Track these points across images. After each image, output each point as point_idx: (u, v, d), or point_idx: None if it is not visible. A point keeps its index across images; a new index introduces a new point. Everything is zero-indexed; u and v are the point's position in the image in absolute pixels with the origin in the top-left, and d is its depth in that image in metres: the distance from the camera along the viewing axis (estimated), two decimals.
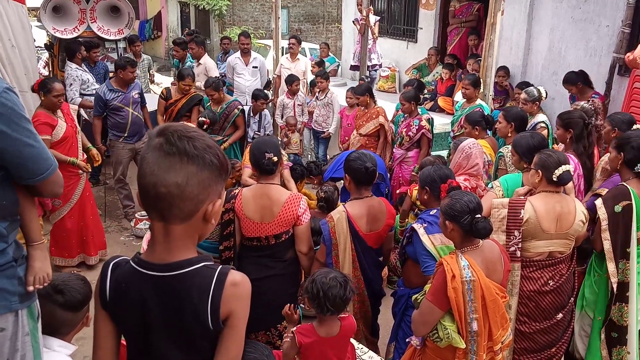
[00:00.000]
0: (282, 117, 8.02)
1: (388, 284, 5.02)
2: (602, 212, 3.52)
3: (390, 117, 6.80)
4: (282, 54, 9.35)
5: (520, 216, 3.30)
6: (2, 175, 2.18)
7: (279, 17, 8.69)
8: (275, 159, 3.51)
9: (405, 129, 6.13)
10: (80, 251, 5.62)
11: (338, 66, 12.08)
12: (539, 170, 3.36)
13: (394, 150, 6.42)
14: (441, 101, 8.87)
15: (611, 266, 3.54)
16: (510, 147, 4.21)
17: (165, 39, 21.32)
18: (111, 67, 8.30)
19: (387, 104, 7.97)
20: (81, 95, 7.26)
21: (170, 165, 1.49)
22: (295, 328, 2.89)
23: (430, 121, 6.25)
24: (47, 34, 9.31)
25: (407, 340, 3.15)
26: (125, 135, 6.52)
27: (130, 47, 8.92)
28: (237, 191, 3.63)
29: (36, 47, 7.60)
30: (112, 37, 8.74)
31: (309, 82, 8.63)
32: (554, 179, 3.29)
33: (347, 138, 7.04)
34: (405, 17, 11.17)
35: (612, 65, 6.60)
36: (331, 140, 8.14)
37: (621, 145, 3.64)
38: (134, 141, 6.60)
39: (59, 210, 5.35)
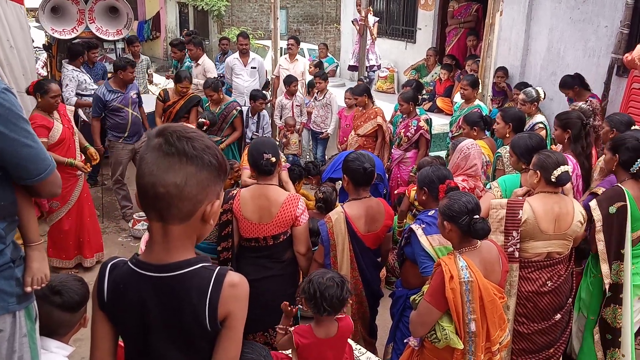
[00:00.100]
0: (280, 118, 8.02)
1: (386, 284, 5.03)
2: (596, 214, 3.52)
3: (388, 118, 6.80)
4: (281, 55, 9.35)
5: (519, 217, 3.31)
6: (0, 176, 2.18)
7: (277, 18, 8.69)
8: (274, 159, 3.51)
9: (403, 130, 6.13)
10: (77, 253, 5.60)
11: (337, 67, 12.09)
12: (538, 171, 3.37)
13: (392, 150, 6.42)
14: (440, 102, 8.88)
15: (605, 267, 3.54)
16: (508, 147, 4.22)
17: (163, 40, 21.32)
18: (109, 67, 8.31)
19: (386, 105, 7.98)
20: (79, 95, 7.23)
21: (169, 165, 1.49)
22: (292, 328, 2.89)
23: (429, 122, 6.25)
24: (46, 35, 9.29)
25: (405, 341, 3.15)
26: (125, 135, 6.51)
27: (129, 47, 8.91)
28: (235, 192, 3.63)
29: (34, 47, 7.60)
30: (110, 38, 8.73)
31: (307, 83, 8.62)
32: (553, 180, 3.29)
33: (345, 139, 7.04)
34: (404, 17, 11.18)
35: (610, 66, 6.61)
36: (330, 140, 8.14)
37: (616, 146, 3.64)
38: (134, 141, 6.60)
39: (56, 211, 5.33)
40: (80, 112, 7.39)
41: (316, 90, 8.04)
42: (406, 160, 6.19)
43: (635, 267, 3.62)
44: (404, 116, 6.25)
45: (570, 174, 3.46)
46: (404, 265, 3.54)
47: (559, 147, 4.64)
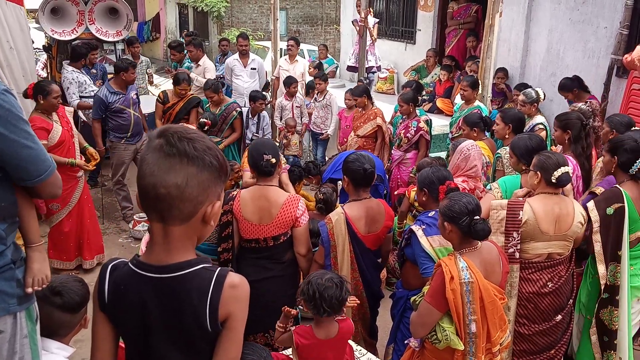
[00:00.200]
0: (280, 119, 8.03)
1: (387, 285, 5.03)
2: (594, 215, 3.52)
3: (388, 119, 6.81)
4: (281, 56, 9.36)
5: (519, 218, 3.31)
6: (0, 177, 2.18)
7: (277, 19, 8.69)
8: (274, 160, 3.51)
9: (403, 131, 6.13)
10: (78, 254, 5.60)
11: (336, 68, 12.09)
12: (538, 172, 3.37)
13: (392, 151, 6.43)
14: (439, 102, 8.89)
15: (601, 268, 3.54)
16: (508, 148, 4.22)
17: (163, 41, 21.32)
18: (109, 68, 8.32)
19: (386, 106, 7.98)
20: (80, 97, 7.23)
21: (170, 166, 1.49)
22: (293, 328, 2.89)
23: (429, 122, 6.25)
24: (46, 36, 9.30)
25: (405, 342, 3.15)
26: (128, 136, 6.51)
27: (129, 48, 8.91)
28: (235, 193, 3.63)
29: (34, 48, 7.60)
30: (110, 39, 8.73)
31: (305, 84, 8.62)
32: (553, 181, 3.29)
33: (345, 139, 7.04)
34: (403, 18, 11.19)
35: (610, 67, 6.61)
36: (330, 141, 8.14)
37: (614, 148, 3.63)
38: (135, 141, 6.60)
39: (57, 213, 5.32)
40: (80, 112, 7.40)
41: (316, 92, 8.04)
42: (406, 161, 6.19)
43: (634, 269, 3.61)
44: (403, 117, 6.25)
45: (571, 175, 3.46)
46: (405, 266, 3.54)
47: (559, 148, 4.64)
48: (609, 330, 3.61)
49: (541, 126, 5.48)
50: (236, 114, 6.68)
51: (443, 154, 6.42)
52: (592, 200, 3.61)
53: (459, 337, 2.73)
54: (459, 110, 6.41)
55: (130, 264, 1.65)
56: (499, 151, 4.70)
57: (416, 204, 4.15)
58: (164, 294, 1.60)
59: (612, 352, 3.62)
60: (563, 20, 7.39)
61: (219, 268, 1.64)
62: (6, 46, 5.35)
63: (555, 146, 4.89)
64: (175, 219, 1.55)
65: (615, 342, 3.60)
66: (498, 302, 2.77)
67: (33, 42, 6.76)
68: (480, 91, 6.43)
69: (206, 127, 5.92)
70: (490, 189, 3.96)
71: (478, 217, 2.75)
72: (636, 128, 4.34)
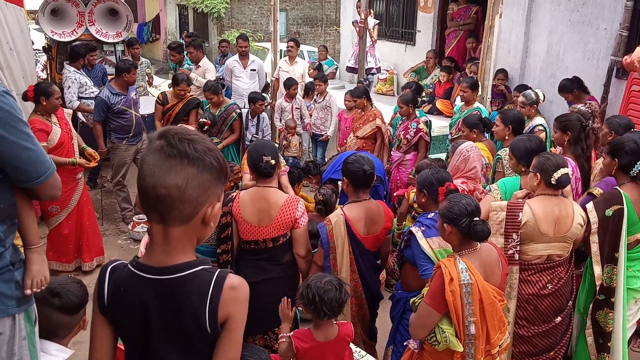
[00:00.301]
0: (280, 121, 8.03)
1: (386, 287, 5.02)
2: (592, 216, 3.51)
3: (388, 120, 6.81)
4: (281, 57, 9.36)
5: (519, 219, 3.31)
6: (0, 178, 2.18)
7: (277, 20, 8.71)
8: (273, 162, 3.50)
9: (403, 132, 6.14)
10: (77, 256, 5.59)
11: (336, 69, 12.10)
12: (538, 174, 3.37)
13: (391, 153, 6.43)
14: (439, 104, 8.89)
15: (597, 269, 3.53)
16: (507, 150, 4.22)
17: (163, 42, 21.34)
18: (109, 70, 8.32)
19: (385, 107, 7.99)
20: (79, 98, 7.24)
21: (171, 167, 1.50)
22: (292, 333, 2.89)
23: (428, 124, 6.25)
24: (45, 37, 9.30)
25: (404, 343, 3.14)
26: (130, 136, 6.51)
27: (130, 49, 8.92)
28: (234, 194, 3.63)
29: (34, 50, 7.60)
30: (110, 40, 8.73)
31: (304, 86, 8.62)
32: (553, 182, 3.29)
33: (345, 141, 7.04)
34: (403, 20, 11.20)
35: (609, 68, 6.61)
36: (329, 143, 8.14)
37: (615, 150, 3.61)
38: (136, 142, 6.61)
39: (56, 215, 5.31)
40: (80, 114, 7.40)
41: (316, 93, 8.05)
42: (406, 163, 6.20)
43: (632, 270, 3.61)
44: (403, 118, 6.25)
45: (570, 177, 3.46)
46: (404, 267, 3.54)
47: (559, 149, 4.64)
48: (604, 332, 3.61)
49: (541, 127, 5.48)
50: (235, 115, 6.68)
51: (443, 156, 6.42)
52: (591, 202, 3.61)
53: (458, 339, 2.73)
54: (458, 111, 6.41)
55: (129, 266, 1.65)
56: (498, 152, 4.70)
57: (415, 206, 4.15)
58: (163, 295, 1.59)
59: (606, 354, 3.61)
60: (563, 22, 7.40)
61: (219, 269, 1.64)
62: (6, 47, 5.35)
63: (555, 148, 4.90)
64: (175, 220, 1.55)
65: (609, 344, 3.60)
66: (497, 303, 2.77)
67: (33, 43, 6.77)
68: (480, 92, 6.44)
69: (206, 127, 5.92)
70: (490, 190, 3.96)
71: (477, 219, 2.75)
72: (636, 130, 4.33)
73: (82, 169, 5.45)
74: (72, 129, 5.41)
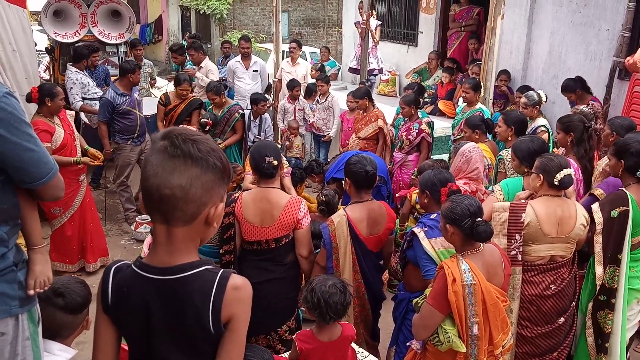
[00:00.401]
0: (283, 122, 8.03)
1: (389, 287, 5.02)
2: (597, 216, 3.50)
3: (390, 121, 6.81)
4: (283, 58, 9.37)
5: (522, 220, 3.30)
6: (2, 179, 2.19)
7: (279, 21, 8.71)
8: (276, 162, 3.50)
9: (405, 133, 6.14)
10: (80, 257, 5.60)
11: (338, 70, 12.11)
12: (540, 174, 3.36)
13: (394, 153, 6.43)
14: (441, 105, 8.88)
15: (599, 269, 3.52)
16: (510, 150, 4.21)
17: (166, 43, 21.36)
18: (112, 71, 8.33)
19: (387, 108, 7.99)
20: (82, 99, 7.25)
21: (175, 167, 1.50)
22: (295, 335, 2.89)
23: (431, 125, 6.25)
24: (48, 38, 9.31)
25: (407, 344, 3.14)
26: (134, 136, 6.52)
27: (132, 50, 8.93)
28: (237, 195, 3.63)
29: (37, 51, 7.62)
30: (113, 42, 8.74)
31: (305, 87, 8.62)
32: (556, 183, 3.29)
33: (347, 142, 7.05)
34: (405, 21, 11.20)
35: (612, 69, 6.61)
36: (332, 143, 8.15)
37: (620, 152, 3.59)
38: (140, 142, 6.62)
39: (59, 217, 5.32)
40: (82, 115, 7.41)
41: (318, 94, 8.05)
42: (408, 163, 6.20)
43: (634, 271, 3.60)
44: (405, 119, 6.25)
45: (573, 178, 3.45)
46: (407, 268, 3.53)
47: (562, 150, 4.64)
48: (602, 333, 3.60)
49: (543, 128, 5.47)
50: (238, 115, 6.69)
51: (445, 156, 6.41)
52: (597, 202, 3.59)
53: (461, 340, 2.73)
54: (461, 112, 6.41)
55: (133, 266, 1.66)
56: (501, 153, 4.70)
57: (418, 206, 4.15)
58: (166, 295, 1.60)
59: (603, 355, 3.60)
60: (565, 23, 7.39)
61: (222, 270, 1.65)
62: (9, 48, 5.35)
63: (558, 149, 4.89)
64: (179, 220, 1.55)
65: (606, 345, 3.59)
66: (500, 304, 2.77)
67: (36, 44, 6.77)
68: (482, 93, 6.44)
69: (207, 127, 5.93)
70: (493, 191, 3.95)
71: (480, 219, 2.75)
72: (638, 131, 4.32)
73: (85, 171, 5.46)
74: (75, 130, 5.42)
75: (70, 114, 5.47)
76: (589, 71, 6.97)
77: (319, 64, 10.45)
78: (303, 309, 3.79)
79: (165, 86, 10.57)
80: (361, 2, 9.29)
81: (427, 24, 10.51)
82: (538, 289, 3.38)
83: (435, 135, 6.68)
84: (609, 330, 3.56)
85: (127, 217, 6.84)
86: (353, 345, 3.09)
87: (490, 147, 5.24)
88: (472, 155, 4.36)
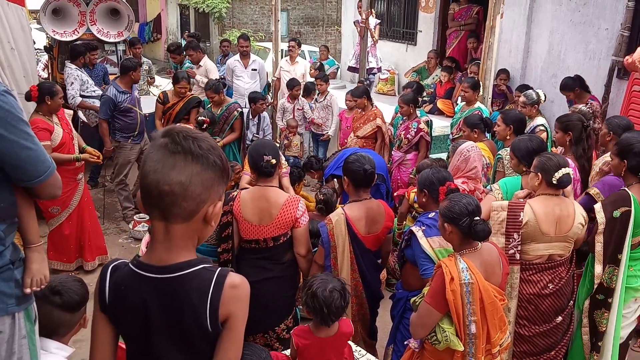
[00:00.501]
0: (282, 120, 8.03)
1: (386, 286, 5.02)
2: (600, 216, 3.50)
3: (389, 120, 6.80)
4: (282, 57, 9.36)
5: (520, 219, 3.30)
6: (0, 177, 2.18)
7: (278, 20, 8.71)
8: (274, 161, 3.50)
9: (404, 132, 6.14)
10: (78, 256, 5.59)
11: (337, 69, 12.10)
12: (539, 173, 3.36)
13: (392, 152, 6.43)
14: (440, 104, 8.88)
15: (598, 268, 3.52)
16: (508, 149, 4.21)
17: (164, 42, 21.35)
18: (111, 69, 8.32)
19: (386, 107, 7.99)
20: (80, 96, 7.24)
21: (175, 163, 1.50)
22: (292, 330, 2.89)
23: (429, 124, 6.25)
24: (47, 37, 9.31)
25: (405, 342, 3.14)
26: (135, 134, 6.52)
27: (131, 49, 8.93)
28: (235, 193, 3.63)
29: (36, 49, 7.61)
30: (111, 40, 8.74)
31: (303, 85, 8.60)
32: (554, 182, 3.29)
33: (346, 140, 7.04)
34: (404, 20, 11.19)
35: (611, 69, 6.61)
36: (330, 142, 8.15)
37: (623, 151, 3.57)
38: (140, 140, 6.62)
39: (57, 216, 5.31)
40: (80, 113, 7.40)
41: (317, 92, 8.05)
42: (406, 162, 6.20)
43: (633, 270, 3.60)
44: (404, 118, 6.25)
45: (572, 177, 3.45)
46: (405, 267, 3.54)
47: (560, 149, 4.64)
48: (597, 332, 3.60)
49: (542, 127, 5.47)
50: (237, 114, 6.68)
51: (444, 155, 6.41)
52: (599, 202, 3.58)
53: (458, 338, 2.73)
54: (459, 111, 6.41)
55: (130, 265, 1.65)
56: (499, 152, 4.70)
57: (416, 205, 4.15)
58: (164, 294, 1.60)
59: (595, 353, 3.61)
60: (564, 22, 7.39)
61: (220, 268, 1.65)
62: (7, 47, 5.34)
63: (556, 148, 4.89)
64: (177, 217, 1.55)
65: (599, 344, 3.59)
66: (498, 303, 2.77)
67: (34, 42, 6.76)
68: (481, 92, 6.44)
69: (205, 125, 5.92)
70: (491, 190, 3.95)
71: (478, 218, 2.75)
72: (636, 130, 4.31)
73: (82, 170, 5.45)
74: (73, 129, 5.41)
75: (68, 112, 5.45)
76: (588, 70, 6.97)
77: (318, 63, 10.44)
78: (301, 307, 3.79)
79: (167, 85, 10.57)
80: (360, 1, 9.27)
81: (426, 23, 10.51)
82: (536, 288, 3.39)
83: (433, 134, 6.68)
84: (604, 329, 3.56)
85: (125, 216, 6.83)
86: (350, 343, 3.10)
87: (489, 146, 5.24)
88: (470, 154, 4.36)
